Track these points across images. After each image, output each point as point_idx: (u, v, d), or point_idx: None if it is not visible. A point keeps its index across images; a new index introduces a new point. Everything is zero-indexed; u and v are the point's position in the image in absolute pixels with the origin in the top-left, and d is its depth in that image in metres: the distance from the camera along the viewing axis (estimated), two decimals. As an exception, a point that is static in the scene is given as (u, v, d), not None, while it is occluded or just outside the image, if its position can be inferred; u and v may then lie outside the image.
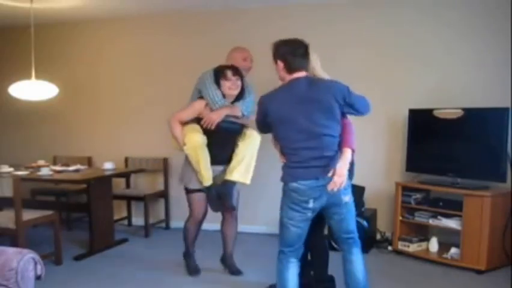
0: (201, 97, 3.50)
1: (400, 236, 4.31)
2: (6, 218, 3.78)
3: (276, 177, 4.67)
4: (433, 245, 4.19)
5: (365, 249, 3.73)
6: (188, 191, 3.61)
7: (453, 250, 3.98)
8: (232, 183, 3.52)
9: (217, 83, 3.44)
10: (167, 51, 5.31)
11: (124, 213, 5.45)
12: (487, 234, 3.75)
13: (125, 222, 5.45)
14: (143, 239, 4.94)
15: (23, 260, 2.34)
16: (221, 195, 3.51)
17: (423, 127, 4.34)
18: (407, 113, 4.41)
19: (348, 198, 2.64)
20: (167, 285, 3.60)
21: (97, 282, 3.68)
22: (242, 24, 5.02)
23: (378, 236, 4.63)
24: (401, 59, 4.59)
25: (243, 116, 3.52)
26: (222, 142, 3.51)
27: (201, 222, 3.69)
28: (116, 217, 4.97)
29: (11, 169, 4.47)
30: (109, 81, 5.59)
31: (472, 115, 4.05)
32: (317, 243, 3.10)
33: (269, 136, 2.92)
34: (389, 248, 4.41)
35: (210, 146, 3.46)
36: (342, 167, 2.55)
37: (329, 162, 2.54)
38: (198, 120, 3.51)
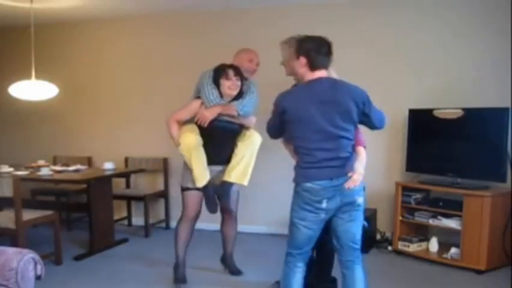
0: (199, 97, 3.46)
1: (400, 236, 4.31)
2: (6, 218, 3.79)
3: (276, 177, 4.66)
4: (433, 245, 4.19)
5: (365, 249, 3.73)
6: (183, 189, 3.56)
7: (453, 250, 3.98)
8: (230, 184, 3.50)
9: (217, 81, 3.40)
10: (167, 51, 5.31)
11: (124, 213, 5.45)
12: (487, 234, 3.75)
13: (125, 222, 5.45)
14: (143, 239, 4.95)
15: (23, 260, 2.34)
16: (218, 196, 3.50)
17: (423, 127, 4.35)
18: (407, 113, 4.42)
19: (361, 200, 2.59)
20: (167, 285, 3.59)
21: (97, 282, 3.68)
22: (242, 25, 5.02)
23: (378, 236, 4.63)
24: (401, 59, 4.59)
25: (239, 115, 3.44)
26: (220, 142, 3.47)
27: (192, 222, 3.57)
28: (116, 217, 4.97)
29: (11, 169, 4.47)
30: (109, 81, 5.60)
31: (472, 115, 4.05)
32: (325, 243, 3.00)
33: (268, 136, 2.90)
34: (389, 248, 4.41)
35: (207, 146, 3.43)
36: (360, 166, 2.58)
37: (344, 163, 2.51)
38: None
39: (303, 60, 2.56)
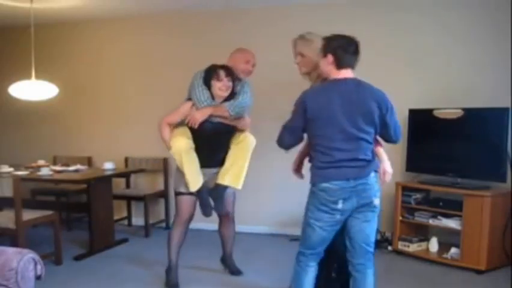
0: (190, 98, 3.40)
1: (400, 236, 4.31)
2: (6, 218, 3.79)
3: (276, 177, 4.65)
4: (433, 245, 4.19)
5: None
6: (176, 194, 3.53)
7: (453, 250, 3.98)
8: (224, 188, 3.45)
9: (208, 82, 3.34)
10: (167, 51, 5.31)
11: (124, 213, 5.45)
12: (486, 234, 3.75)
13: (125, 222, 5.45)
14: (143, 239, 4.94)
15: (23, 260, 2.34)
16: (213, 199, 3.45)
17: (423, 127, 4.34)
18: (407, 113, 4.41)
19: (377, 201, 2.58)
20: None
21: (97, 282, 3.68)
22: (242, 25, 5.01)
23: (378, 236, 4.63)
24: (401, 59, 4.59)
25: (231, 116, 3.36)
26: (212, 144, 3.42)
27: (186, 225, 3.54)
28: (116, 217, 4.97)
29: (11, 169, 4.47)
30: (109, 81, 5.59)
31: (472, 115, 4.05)
32: (338, 244, 2.88)
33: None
34: (389, 248, 4.41)
35: (200, 148, 3.38)
36: (386, 165, 2.70)
37: (361, 165, 2.51)
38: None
39: (330, 58, 2.54)
